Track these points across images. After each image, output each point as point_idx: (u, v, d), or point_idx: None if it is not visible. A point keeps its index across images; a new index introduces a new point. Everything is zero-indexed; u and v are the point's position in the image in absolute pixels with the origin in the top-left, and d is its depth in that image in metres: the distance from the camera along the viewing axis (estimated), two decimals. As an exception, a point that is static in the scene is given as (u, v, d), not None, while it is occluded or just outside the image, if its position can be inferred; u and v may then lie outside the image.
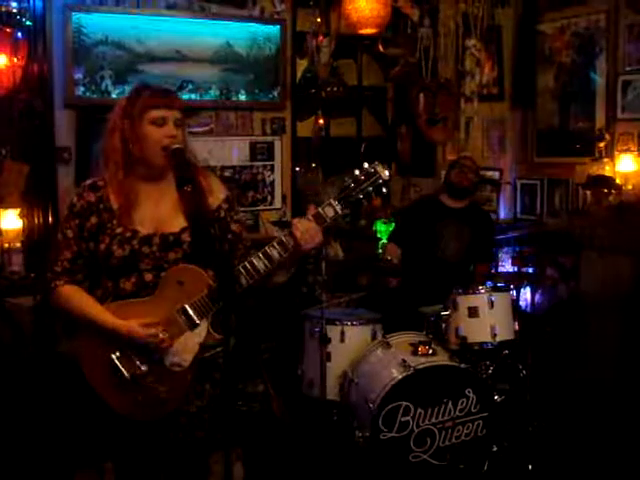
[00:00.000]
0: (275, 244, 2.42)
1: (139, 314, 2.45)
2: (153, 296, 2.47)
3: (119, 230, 2.48)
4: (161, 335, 2.42)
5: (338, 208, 2.42)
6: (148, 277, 2.48)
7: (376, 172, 2.43)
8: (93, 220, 2.51)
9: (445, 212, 4.82)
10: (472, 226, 4.80)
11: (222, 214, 2.62)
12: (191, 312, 2.44)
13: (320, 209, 2.42)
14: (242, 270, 2.43)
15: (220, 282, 2.31)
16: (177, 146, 2.46)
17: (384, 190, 2.46)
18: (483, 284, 4.58)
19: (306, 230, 2.40)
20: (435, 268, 4.69)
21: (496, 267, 5.53)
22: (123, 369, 2.45)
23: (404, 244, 4.81)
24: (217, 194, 2.63)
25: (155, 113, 2.47)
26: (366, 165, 2.44)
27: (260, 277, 2.44)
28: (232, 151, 5.58)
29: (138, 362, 2.46)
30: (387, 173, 2.45)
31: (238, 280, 2.41)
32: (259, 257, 2.43)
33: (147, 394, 2.47)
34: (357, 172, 2.44)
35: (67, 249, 2.52)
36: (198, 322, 2.45)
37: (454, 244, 4.76)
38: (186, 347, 2.46)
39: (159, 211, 2.55)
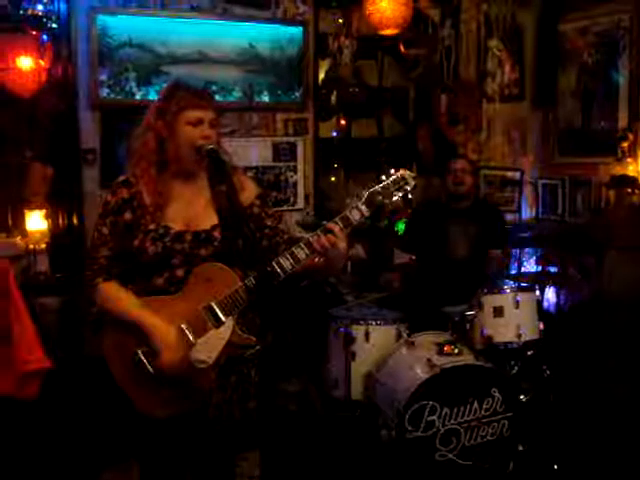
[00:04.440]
0: (302, 245, 2.46)
1: (167, 310, 2.48)
2: (181, 292, 2.50)
3: (152, 227, 2.51)
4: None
5: (365, 211, 2.47)
6: (179, 273, 2.51)
7: (404, 178, 2.49)
8: (127, 216, 2.54)
9: (450, 214, 4.81)
10: (479, 224, 4.77)
11: (255, 210, 2.65)
12: (217, 310, 2.46)
13: (347, 212, 2.47)
14: (286, 257, 2.45)
15: (257, 278, 2.34)
16: (212, 146, 2.48)
17: (410, 197, 2.50)
18: (496, 269, 4.65)
19: (324, 242, 2.44)
20: (448, 269, 4.69)
21: (519, 267, 5.52)
22: (148, 364, 2.48)
23: (415, 249, 4.81)
24: (249, 191, 2.67)
25: (191, 113, 2.49)
26: (393, 171, 2.49)
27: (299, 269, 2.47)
28: (255, 152, 5.60)
29: None
30: (414, 181, 2.50)
31: (282, 268, 2.43)
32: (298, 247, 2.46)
33: (171, 390, 2.49)
34: (384, 177, 2.49)
35: (104, 246, 2.55)
36: (224, 320, 2.47)
37: (463, 245, 4.75)
38: (211, 344, 2.48)
39: (191, 208, 2.58)
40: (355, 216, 2.46)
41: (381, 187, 2.47)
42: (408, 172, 2.50)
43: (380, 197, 2.47)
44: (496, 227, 4.87)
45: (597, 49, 5.78)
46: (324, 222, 2.52)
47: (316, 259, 2.48)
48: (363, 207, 2.46)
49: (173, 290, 2.51)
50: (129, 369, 2.51)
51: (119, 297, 2.54)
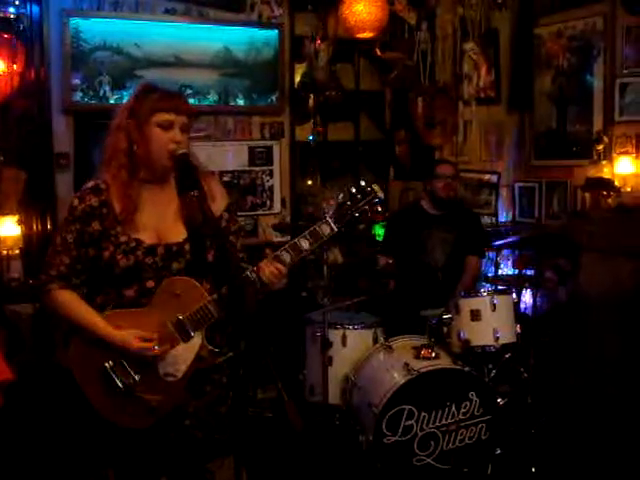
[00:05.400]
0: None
1: (134, 324, 2.44)
2: (149, 306, 2.47)
3: (123, 239, 2.45)
4: (155, 348, 2.42)
5: (334, 226, 2.46)
6: (150, 284, 2.47)
7: (372, 191, 2.48)
8: (95, 226, 2.47)
9: (428, 220, 4.80)
10: (456, 229, 4.78)
11: (223, 224, 2.62)
12: (186, 324, 2.44)
13: (316, 226, 2.47)
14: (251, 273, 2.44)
15: (229, 287, 2.32)
16: (182, 152, 2.44)
17: (379, 209, 2.49)
18: (473, 276, 4.64)
19: (271, 273, 2.44)
20: (425, 275, 4.68)
21: (496, 270, 5.53)
22: (117, 379, 2.45)
23: (393, 253, 4.80)
24: (219, 201, 2.62)
25: (163, 116, 2.44)
26: (363, 184, 2.49)
27: None
28: (231, 155, 5.58)
29: (131, 371, 2.46)
30: (382, 193, 2.51)
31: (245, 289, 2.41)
32: None
33: (139, 404, 2.46)
34: (354, 190, 2.48)
35: (65, 253, 2.48)
36: (192, 334, 2.45)
37: (440, 251, 4.76)
38: (180, 358, 2.47)
39: (162, 218, 2.53)
40: (325, 230, 2.46)
41: (349, 200, 2.47)
42: (376, 184, 2.51)
43: (349, 210, 2.47)
44: (474, 233, 4.87)
45: (572, 52, 5.82)
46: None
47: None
48: (332, 220, 2.46)
49: (144, 302, 2.47)
50: (96, 381, 2.48)
51: (78, 307, 2.49)
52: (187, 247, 2.49)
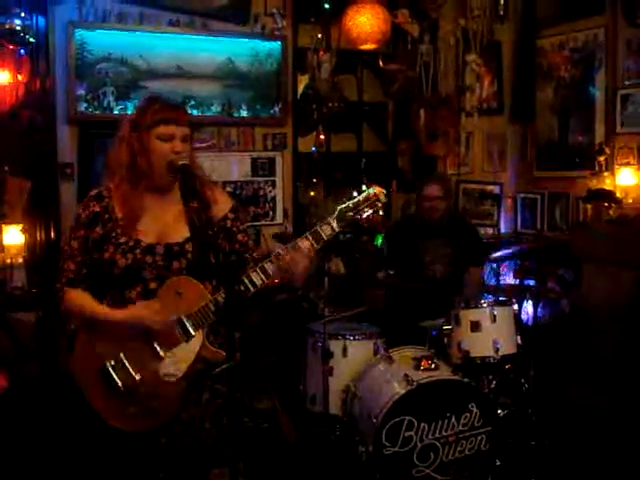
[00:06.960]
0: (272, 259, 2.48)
1: None
2: None
3: (123, 239, 2.52)
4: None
5: (336, 227, 2.48)
6: (152, 285, 2.52)
7: (374, 195, 2.51)
8: (98, 230, 2.55)
9: (426, 232, 4.80)
10: (454, 242, 4.77)
11: (228, 224, 2.67)
12: (187, 323, 2.47)
13: (318, 227, 2.48)
14: (257, 272, 2.46)
15: (226, 294, 2.35)
16: (183, 162, 2.48)
17: (381, 213, 2.53)
18: (476, 287, 4.66)
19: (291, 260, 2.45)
20: (425, 287, 4.68)
21: (497, 280, 5.54)
22: (117, 378, 2.48)
23: (393, 265, 4.81)
24: (222, 204, 2.68)
25: (163, 129, 2.50)
26: (365, 188, 2.51)
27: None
28: (234, 166, 5.61)
29: (132, 371, 2.48)
30: (385, 196, 2.53)
31: (253, 282, 2.45)
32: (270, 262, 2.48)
33: (140, 405, 2.49)
34: (356, 194, 2.52)
35: (71, 260, 2.57)
36: (193, 334, 2.48)
37: (439, 262, 4.75)
38: (180, 358, 2.49)
39: (163, 221, 2.59)
40: (326, 231, 2.48)
41: (352, 203, 2.50)
42: (379, 189, 2.53)
43: (351, 213, 2.49)
44: (473, 245, 4.87)
45: (574, 64, 5.85)
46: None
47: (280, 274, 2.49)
48: (334, 222, 2.48)
49: None
50: (97, 382, 2.51)
51: (88, 300, 2.56)
52: (188, 247, 2.54)
